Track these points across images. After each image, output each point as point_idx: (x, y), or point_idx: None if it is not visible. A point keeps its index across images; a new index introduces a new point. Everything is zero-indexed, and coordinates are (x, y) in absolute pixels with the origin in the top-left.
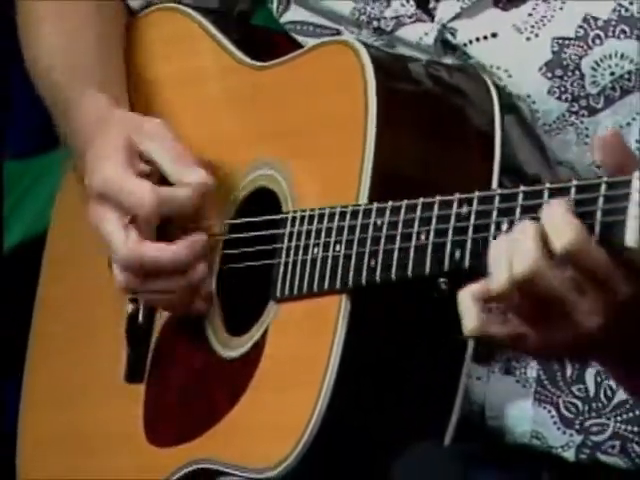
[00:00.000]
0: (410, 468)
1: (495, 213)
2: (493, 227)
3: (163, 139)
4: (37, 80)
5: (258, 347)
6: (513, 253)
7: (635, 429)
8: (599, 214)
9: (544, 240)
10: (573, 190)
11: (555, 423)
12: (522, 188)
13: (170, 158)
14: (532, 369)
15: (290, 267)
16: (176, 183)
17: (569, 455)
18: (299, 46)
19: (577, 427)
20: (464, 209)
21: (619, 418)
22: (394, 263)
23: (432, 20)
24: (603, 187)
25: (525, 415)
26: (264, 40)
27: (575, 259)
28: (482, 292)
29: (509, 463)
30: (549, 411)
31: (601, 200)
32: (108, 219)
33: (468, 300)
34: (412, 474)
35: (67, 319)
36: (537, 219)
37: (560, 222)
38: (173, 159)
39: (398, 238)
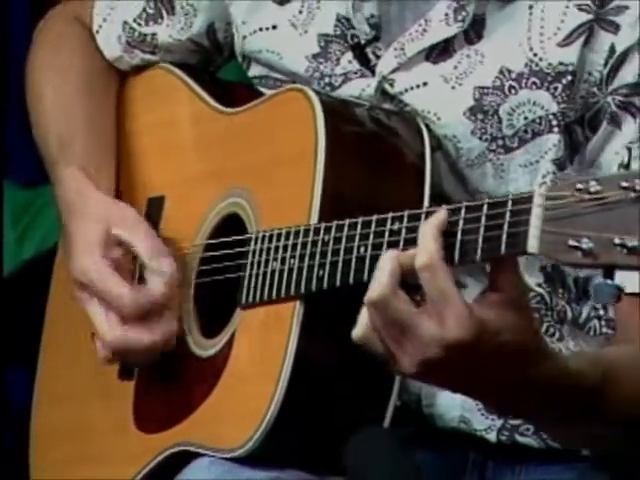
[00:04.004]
0: (357, 449)
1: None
2: None
3: (139, 230)
4: (37, 143)
5: (227, 347)
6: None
7: None
8: (506, 226)
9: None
10: (485, 206)
11: (479, 410)
12: (444, 206)
13: (146, 248)
14: None
15: (254, 279)
16: (150, 271)
17: (491, 437)
18: (262, 95)
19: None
20: (396, 226)
21: None
22: (338, 272)
23: (373, 75)
24: (509, 203)
25: (454, 403)
26: (234, 90)
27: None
28: None
29: (441, 444)
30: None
31: (508, 214)
32: (91, 304)
33: (363, 310)
34: (358, 454)
35: (71, 327)
36: None
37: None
38: (148, 249)
39: (342, 251)
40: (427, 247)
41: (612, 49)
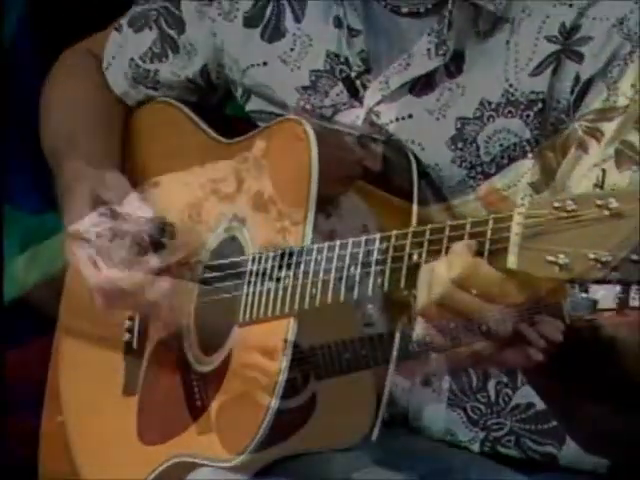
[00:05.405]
0: (348, 459)
1: (408, 247)
2: (406, 258)
3: (120, 187)
4: (44, 151)
5: (225, 363)
6: (432, 280)
7: (526, 427)
8: (487, 244)
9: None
10: (468, 226)
11: (464, 423)
12: (429, 226)
13: (127, 203)
14: (445, 382)
15: (250, 298)
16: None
17: (475, 448)
18: (259, 127)
19: (481, 426)
20: (384, 245)
21: (514, 418)
22: (329, 291)
23: (362, 106)
24: (491, 222)
25: (440, 417)
26: (232, 123)
27: (467, 283)
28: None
29: (427, 455)
30: (459, 413)
31: (489, 232)
32: (79, 255)
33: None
34: (350, 463)
35: (80, 343)
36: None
37: (452, 258)
38: (129, 205)
39: (333, 271)
40: (458, 260)
41: (577, 78)
